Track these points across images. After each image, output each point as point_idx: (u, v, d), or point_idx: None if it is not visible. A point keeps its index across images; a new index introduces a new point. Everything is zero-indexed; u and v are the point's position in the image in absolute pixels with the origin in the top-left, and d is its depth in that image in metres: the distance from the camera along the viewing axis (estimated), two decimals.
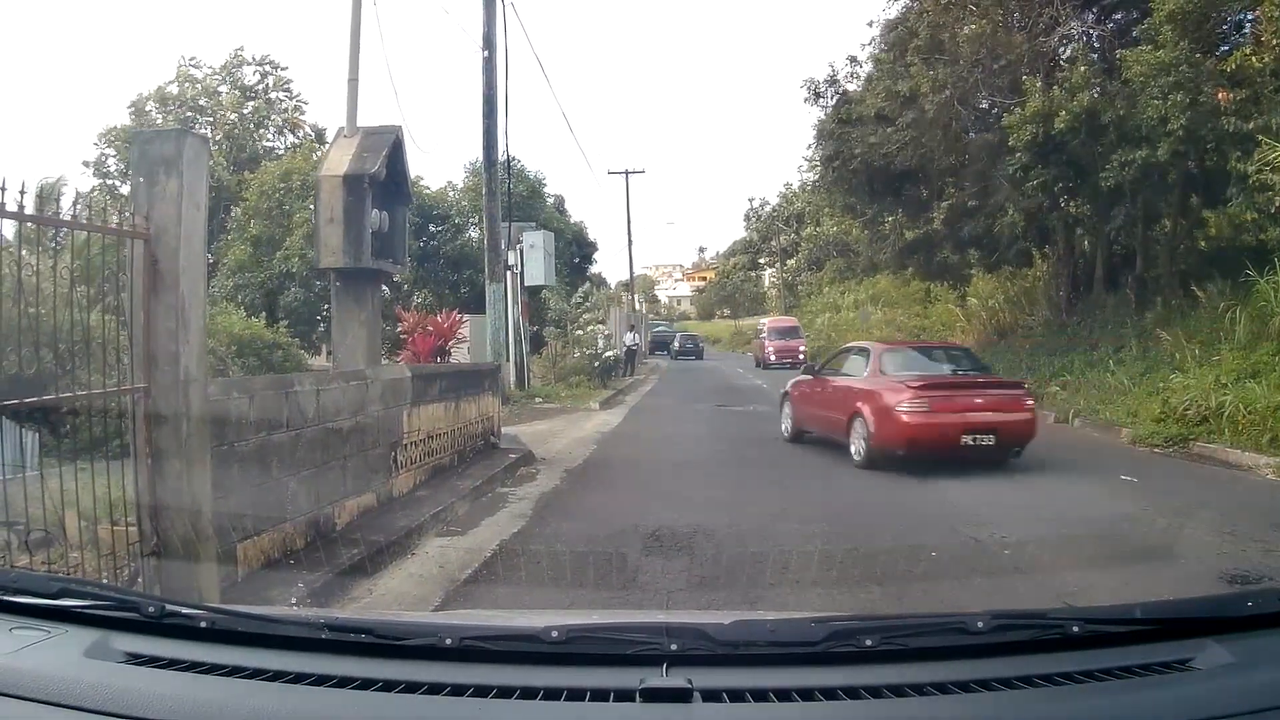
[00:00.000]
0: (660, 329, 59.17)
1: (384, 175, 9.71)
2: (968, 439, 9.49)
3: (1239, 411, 10.71)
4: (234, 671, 1.67)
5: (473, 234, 30.86)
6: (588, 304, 29.97)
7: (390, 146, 9.87)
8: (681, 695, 1.54)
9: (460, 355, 20.77)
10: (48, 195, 4.08)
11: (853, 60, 20.48)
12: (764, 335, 37.43)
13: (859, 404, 10.29)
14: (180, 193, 4.30)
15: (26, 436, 6.16)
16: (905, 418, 9.57)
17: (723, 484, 9.34)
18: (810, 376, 12.55)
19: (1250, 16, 13.49)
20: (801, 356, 29.91)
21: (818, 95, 20.34)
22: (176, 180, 4.31)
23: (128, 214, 4.21)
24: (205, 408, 4.56)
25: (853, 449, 10.30)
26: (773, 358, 34.14)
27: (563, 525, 7.43)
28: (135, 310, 4.25)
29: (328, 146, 11.78)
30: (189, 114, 33.05)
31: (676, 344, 49.78)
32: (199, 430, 4.46)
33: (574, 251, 36.34)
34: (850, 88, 20.23)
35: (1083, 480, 9.35)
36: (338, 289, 10.12)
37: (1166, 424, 11.64)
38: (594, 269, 43.47)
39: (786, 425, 12.82)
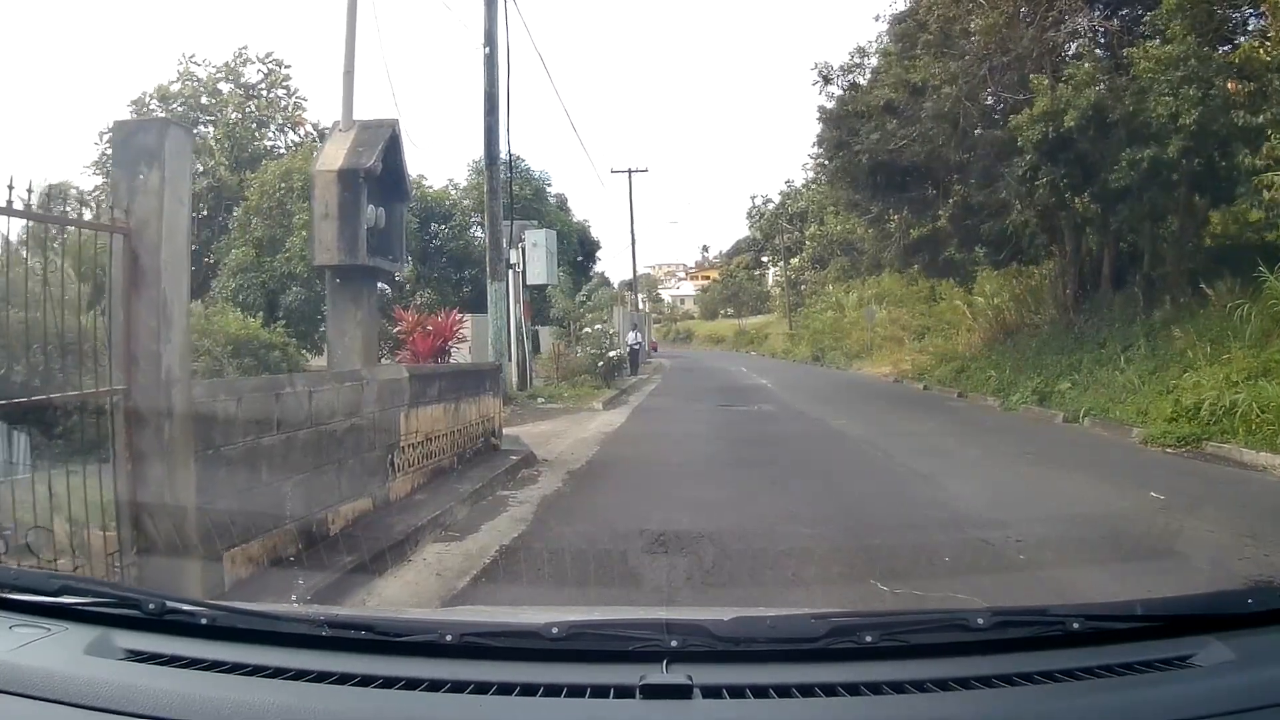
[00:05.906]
0: None
1: (380, 170, 9.50)
2: None
3: (1252, 410, 10.52)
4: (234, 668, 1.68)
5: (475, 233, 30.76)
6: (591, 302, 29.89)
7: (386, 140, 9.65)
8: (682, 691, 1.55)
9: (461, 355, 20.59)
10: (25, 191, 3.91)
11: (861, 52, 20.24)
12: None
13: None
14: (162, 186, 4.14)
15: (17, 439, 6.01)
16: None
17: (727, 485, 9.17)
18: None
19: (1255, 11, 13.30)
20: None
21: (827, 80, 20.06)
22: (158, 173, 4.15)
23: (106, 207, 4.05)
24: (189, 410, 4.39)
25: None
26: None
27: (565, 529, 7.27)
28: (115, 308, 4.09)
29: (323, 141, 11.61)
30: (192, 113, 32.89)
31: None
32: (182, 433, 4.29)
33: (577, 250, 36.27)
34: (859, 80, 19.99)
35: (1093, 481, 9.18)
36: (334, 287, 9.88)
37: (1178, 423, 11.44)
38: (597, 268, 43.53)
39: None
